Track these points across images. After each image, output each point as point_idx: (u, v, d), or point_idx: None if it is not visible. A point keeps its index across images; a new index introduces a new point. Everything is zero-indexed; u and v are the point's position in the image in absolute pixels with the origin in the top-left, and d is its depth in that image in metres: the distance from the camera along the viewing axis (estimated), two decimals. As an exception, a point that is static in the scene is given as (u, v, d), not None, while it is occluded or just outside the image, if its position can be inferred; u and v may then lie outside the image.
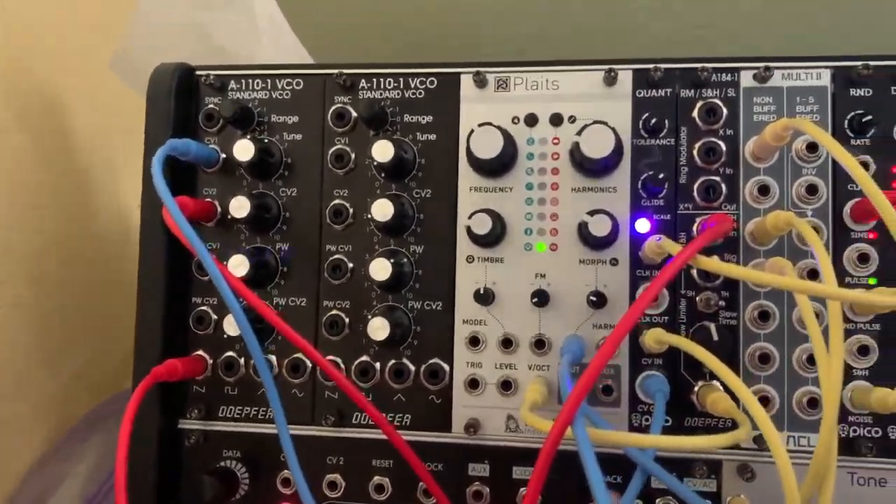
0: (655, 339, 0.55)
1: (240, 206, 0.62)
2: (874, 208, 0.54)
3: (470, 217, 0.59)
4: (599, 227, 0.57)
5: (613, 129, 0.57)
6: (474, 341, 0.62)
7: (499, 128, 0.59)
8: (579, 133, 0.57)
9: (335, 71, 0.64)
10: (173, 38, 0.87)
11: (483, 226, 0.58)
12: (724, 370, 0.46)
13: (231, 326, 0.63)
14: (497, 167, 0.61)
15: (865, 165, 0.58)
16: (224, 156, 0.65)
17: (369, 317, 0.60)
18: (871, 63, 0.58)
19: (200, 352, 0.65)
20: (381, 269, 0.59)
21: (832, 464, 0.44)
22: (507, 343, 0.61)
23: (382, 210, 0.60)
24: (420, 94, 0.64)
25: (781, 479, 0.42)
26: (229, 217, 0.62)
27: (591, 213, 0.58)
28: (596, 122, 0.58)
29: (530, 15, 0.82)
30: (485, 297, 0.61)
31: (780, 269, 0.53)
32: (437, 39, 0.82)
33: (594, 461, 0.38)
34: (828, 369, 0.44)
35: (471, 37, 0.81)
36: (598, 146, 0.57)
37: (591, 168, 0.60)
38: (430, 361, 0.62)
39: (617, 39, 0.91)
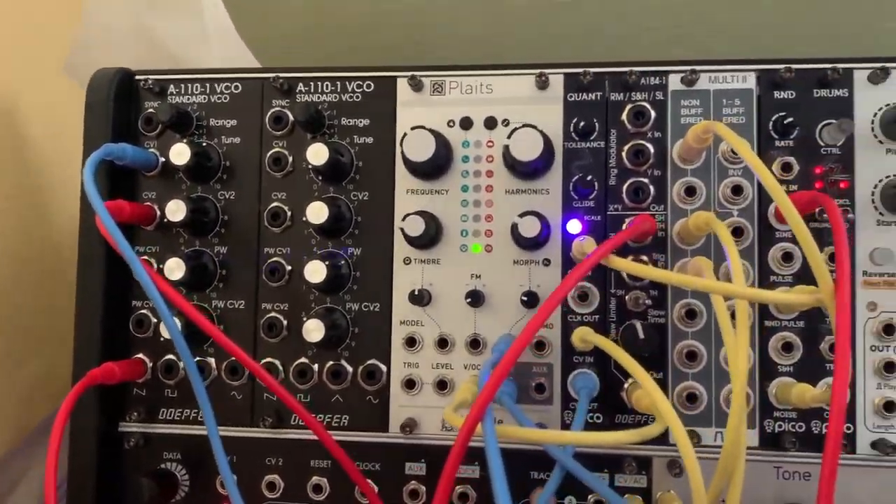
0: (580, 337, 0.56)
1: (176, 210, 0.62)
2: (805, 209, 0.56)
3: (403, 219, 0.60)
4: (529, 229, 0.58)
5: (542, 132, 0.58)
6: (411, 342, 0.62)
7: (431, 131, 0.59)
8: (509, 136, 0.58)
9: (272, 75, 0.65)
10: (124, 42, 0.87)
11: (416, 228, 0.59)
12: (635, 367, 0.47)
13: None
14: (431, 170, 0.62)
15: (789, 166, 0.59)
16: (163, 160, 0.65)
17: (304, 319, 0.61)
18: (794, 66, 0.59)
19: (140, 355, 0.66)
20: (315, 272, 0.60)
21: (740, 458, 0.45)
22: (442, 343, 0.62)
23: (317, 213, 0.60)
24: (357, 97, 0.65)
25: (688, 473, 0.43)
26: (166, 220, 0.62)
27: (522, 214, 0.59)
28: (525, 125, 0.59)
29: (473, 18, 0.83)
30: (421, 298, 0.62)
31: (700, 269, 0.54)
32: (383, 43, 0.83)
33: (498, 458, 0.39)
34: (735, 366, 0.45)
35: (416, 40, 0.82)
36: (526, 149, 0.58)
37: (523, 170, 0.61)
38: (368, 362, 0.63)
39: (572, 43, 0.92)
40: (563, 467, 0.48)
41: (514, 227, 0.59)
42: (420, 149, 0.59)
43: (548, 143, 0.59)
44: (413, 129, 0.59)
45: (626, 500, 0.56)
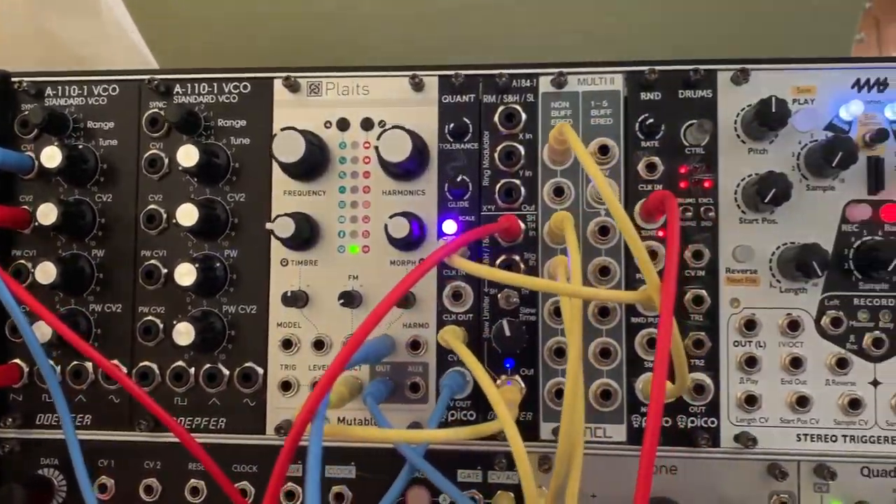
0: (441, 337, 0.56)
1: (47, 213, 0.61)
2: (660, 207, 0.57)
3: (273, 220, 0.60)
4: (397, 229, 0.58)
5: (412, 133, 0.59)
6: (287, 344, 0.62)
7: (302, 132, 0.59)
8: (378, 138, 0.59)
9: (148, 77, 0.64)
10: (23, 44, 0.86)
11: (286, 229, 0.59)
12: (476, 366, 0.47)
13: (43, 334, 0.62)
14: (304, 171, 0.62)
15: (653, 166, 0.60)
16: (39, 162, 0.64)
17: (174, 322, 0.60)
18: (657, 68, 0.60)
19: (17, 360, 0.65)
20: (185, 275, 0.60)
21: (578, 452, 0.46)
22: (319, 344, 0.62)
23: (187, 215, 0.60)
24: (234, 98, 0.65)
25: (518, 467, 0.44)
26: (38, 224, 0.62)
27: (392, 216, 0.59)
28: (394, 126, 0.59)
29: (364, 19, 0.83)
30: (298, 300, 0.62)
31: (555, 268, 0.55)
32: (281, 43, 0.83)
33: (317, 459, 0.39)
34: (571, 362, 0.46)
35: (311, 41, 0.82)
36: (394, 150, 0.58)
37: (395, 171, 0.61)
38: (245, 365, 0.63)
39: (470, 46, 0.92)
40: (413, 466, 0.48)
41: (385, 228, 0.59)
42: (289, 150, 0.59)
43: (418, 144, 0.60)
44: (283, 129, 0.59)
45: (468, 497, 0.56)
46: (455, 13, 0.81)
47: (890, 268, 0.55)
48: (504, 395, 0.55)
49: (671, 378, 0.49)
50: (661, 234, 0.61)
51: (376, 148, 0.59)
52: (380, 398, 0.57)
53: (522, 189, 0.61)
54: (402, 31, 0.82)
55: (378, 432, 0.46)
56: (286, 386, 0.62)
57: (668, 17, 0.94)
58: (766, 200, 0.56)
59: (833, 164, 0.56)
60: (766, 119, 0.57)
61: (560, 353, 0.60)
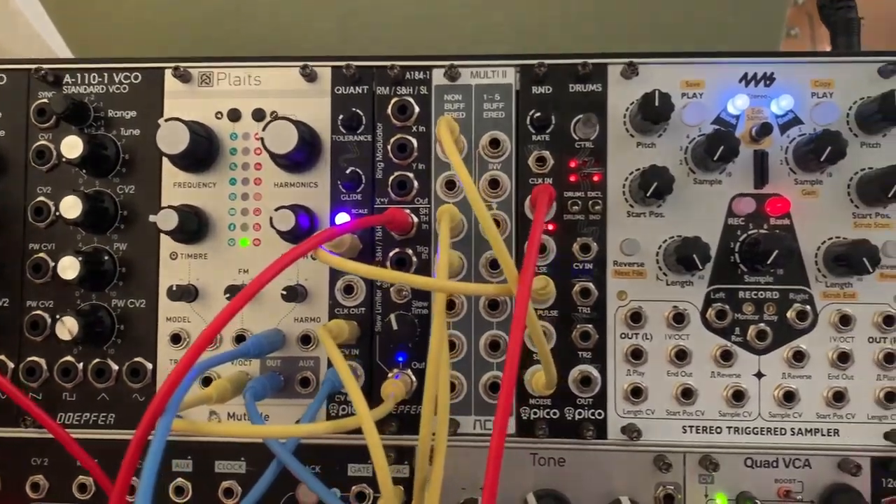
0: (317, 331, 0.56)
1: (-75, 205, 0.60)
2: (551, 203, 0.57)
3: (157, 213, 0.59)
4: (282, 222, 0.58)
5: (298, 125, 0.58)
6: (176, 338, 0.62)
7: (187, 122, 0.58)
8: (264, 129, 0.58)
9: (34, 66, 0.63)
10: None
11: (169, 222, 0.58)
12: (340, 363, 0.47)
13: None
14: (192, 162, 0.61)
15: (543, 160, 0.61)
16: (-78, 153, 0.63)
17: (58, 317, 0.59)
18: (547, 62, 0.60)
19: None
20: (68, 268, 0.59)
21: (442, 446, 0.46)
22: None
23: (71, 207, 0.59)
24: (125, 89, 0.63)
25: (373, 460, 0.44)
26: (-83, 216, 0.60)
27: (277, 208, 0.58)
28: (280, 117, 0.58)
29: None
30: (187, 294, 0.61)
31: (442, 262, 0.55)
32: (205, 33, 0.82)
33: (158, 454, 0.39)
34: (437, 358, 0.46)
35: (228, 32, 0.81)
36: (280, 141, 0.57)
37: (283, 163, 0.61)
38: (133, 360, 0.62)
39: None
40: (280, 461, 0.48)
41: (270, 221, 0.58)
42: (173, 141, 0.58)
43: (306, 135, 0.59)
44: (166, 120, 0.58)
45: (334, 492, 0.56)
46: (351, 3, 0.80)
47: (769, 261, 0.56)
48: (387, 389, 0.56)
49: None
50: (550, 227, 0.61)
51: (261, 139, 0.58)
52: (262, 394, 0.56)
53: (415, 182, 0.61)
54: (295, 21, 0.82)
55: (230, 428, 0.46)
56: (175, 381, 0.61)
57: (598, 7, 0.94)
58: (648, 194, 0.56)
59: (714, 158, 0.56)
60: (649, 113, 0.57)
61: (451, 346, 0.60)
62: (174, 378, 0.42)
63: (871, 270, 0.56)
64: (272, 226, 0.58)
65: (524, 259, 0.45)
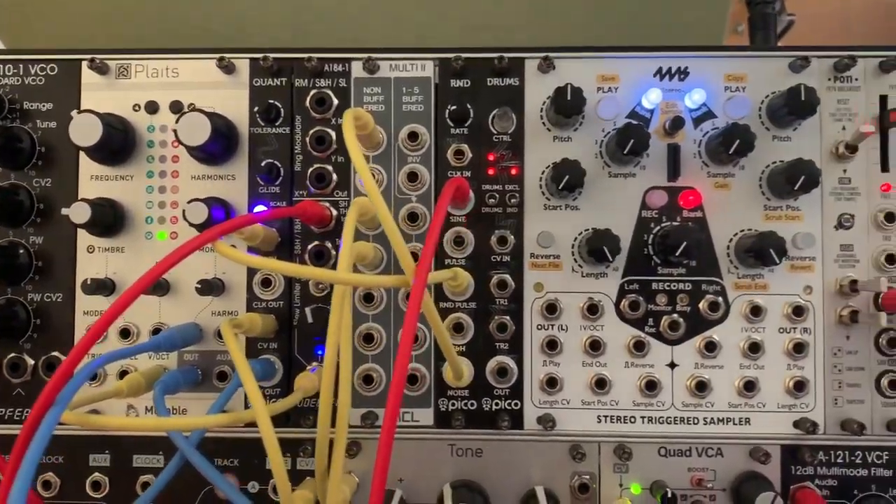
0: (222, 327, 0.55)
1: None
2: (468, 195, 0.57)
3: (70, 206, 0.58)
4: (194, 215, 0.57)
5: (213, 116, 0.58)
6: (93, 332, 0.61)
7: (100, 115, 0.58)
8: (177, 121, 0.58)
9: (-55, 57, 0.62)
10: None
11: (82, 215, 0.58)
12: (240, 361, 0.47)
13: None
14: (107, 155, 0.60)
15: (461, 153, 0.61)
16: None
17: (-28, 310, 0.59)
18: (463, 55, 0.61)
19: None
20: (-22, 261, 0.58)
21: (342, 438, 0.46)
22: (125, 333, 0.61)
23: (-20, 200, 0.58)
24: (41, 81, 0.63)
25: (269, 454, 0.44)
26: None
27: (190, 201, 0.58)
28: (194, 109, 0.58)
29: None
30: (103, 287, 0.61)
31: (357, 253, 0.55)
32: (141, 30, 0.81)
33: (37, 451, 0.38)
34: (333, 351, 0.46)
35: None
36: (193, 134, 0.57)
37: (199, 155, 0.60)
38: (50, 354, 0.61)
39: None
40: (182, 455, 0.48)
41: (183, 214, 0.58)
42: (85, 134, 0.57)
43: (221, 128, 0.59)
44: (79, 112, 0.58)
45: (229, 480, 0.57)
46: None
47: (678, 253, 0.57)
48: (298, 382, 0.56)
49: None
50: (465, 220, 0.61)
51: (174, 132, 0.58)
52: (175, 387, 0.56)
53: (334, 175, 0.61)
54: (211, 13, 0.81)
55: (120, 421, 0.46)
56: (92, 376, 0.61)
57: (545, 4, 0.94)
58: (560, 187, 0.57)
59: (625, 152, 0.57)
60: (562, 107, 0.57)
61: (370, 339, 0.60)
62: (60, 372, 0.42)
63: (777, 262, 0.57)
64: (184, 219, 0.58)
65: (422, 250, 0.45)
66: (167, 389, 0.55)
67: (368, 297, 0.61)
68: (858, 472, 0.60)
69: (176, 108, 0.62)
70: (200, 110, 0.58)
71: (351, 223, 0.50)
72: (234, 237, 0.58)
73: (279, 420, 0.60)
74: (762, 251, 0.56)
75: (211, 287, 0.60)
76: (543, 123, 0.61)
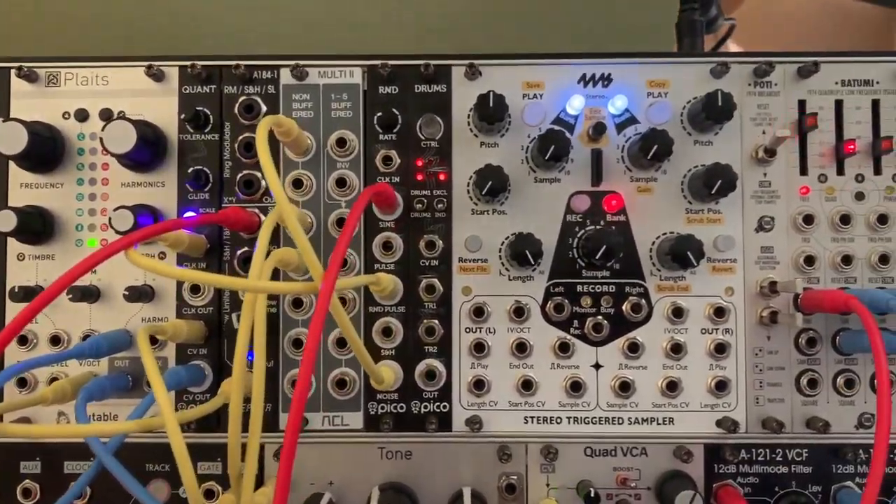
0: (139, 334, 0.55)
1: None
2: (381, 199, 0.58)
3: (-5, 215, 0.58)
4: (120, 222, 0.58)
5: (138, 124, 0.58)
6: (23, 340, 0.61)
7: (27, 123, 0.58)
8: (102, 129, 0.58)
9: None
10: None
11: (7, 223, 0.58)
12: (149, 361, 0.47)
13: None
14: (36, 163, 0.61)
15: (389, 159, 0.62)
16: None
17: None
18: (390, 62, 0.61)
19: None
20: None
21: (254, 443, 0.47)
22: (55, 340, 0.61)
23: None
24: (-31, 89, 0.63)
25: (177, 461, 0.44)
26: None
27: (116, 208, 0.58)
28: (121, 117, 0.58)
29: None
30: (31, 295, 0.61)
31: (280, 259, 0.56)
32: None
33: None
34: (241, 356, 0.46)
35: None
36: (118, 141, 0.57)
37: (127, 163, 0.61)
38: (-22, 362, 0.61)
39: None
40: (99, 462, 0.48)
41: (109, 222, 0.58)
42: (11, 142, 0.58)
43: (148, 135, 0.59)
44: (4, 121, 0.58)
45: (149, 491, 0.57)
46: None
47: (598, 255, 0.58)
48: (224, 388, 0.56)
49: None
50: (393, 226, 0.62)
51: (101, 139, 0.58)
52: (101, 394, 0.56)
53: (262, 181, 0.62)
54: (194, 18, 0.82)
55: (28, 429, 0.46)
56: (22, 383, 0.61)
57: (497, 7, 0.95)
58: (483, 192, 0.58)
59: (546, 158, 0.58)
60: (485, 114, 0.58)
61: (298, 344, 0.61)
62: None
63: (695, 264, 0.58)
64: (111, 226, 0.58)
65: (331, 256, 0.46)
66: (92, 396, 0.55)
67: (297, 303, 0.61)
68: (779, 470, 0.61)
69: (105, 115, 0.62)
70: (127, 118, 0.58)
71: (266, 231, 0.51)
72: (161, 245, 0.58)
73: (209, 424, 0.60)
74: (680, 253, 0.57)
75: (140, 294, 0.60)
76: (471, 129, 0.62)
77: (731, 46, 1.20)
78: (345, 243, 0.46)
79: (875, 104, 0.62)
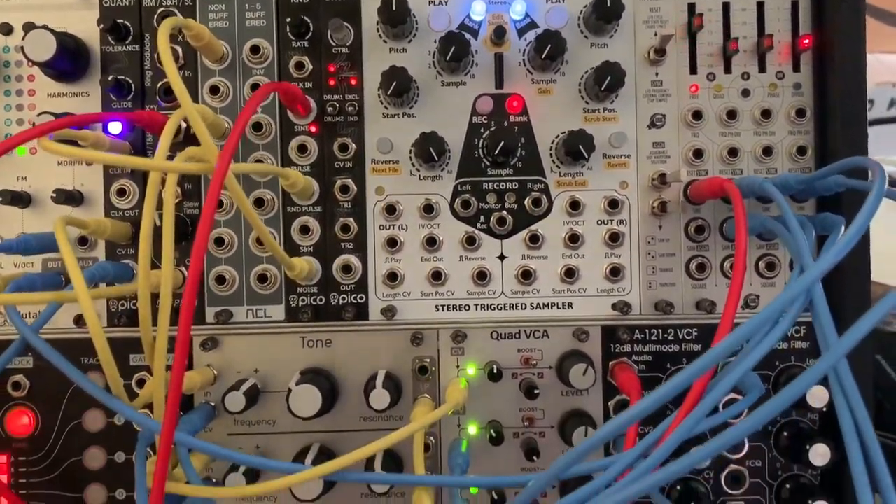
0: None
1: None
2: (303, 101, 0.61)
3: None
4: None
5: (59, 34, 0.61)
6: (-40, 243, 0.65)
7: (-51, 34, 0.61)
8: (23, 38, 0.61)
9: None
10: None
11: (-65, 130, 0.61)
12: (65, 252, 0.51)
13: None
14: (-39, 74, 0.63)
15: (302, 65, 0.65)
16: None
17: None
18: (300, -29, 0.64)
19: None
20: None
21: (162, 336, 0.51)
22: (-9, 243, 0.65)
23: None
24: None
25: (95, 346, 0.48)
26: None
27: (40, 114, 0.61)
28: (41, 26, 0.61)
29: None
30: (-34, 202, 0.64)
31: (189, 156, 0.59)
32: None
33: None
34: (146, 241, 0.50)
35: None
36: (39, 50, 0.60)
37: (51, 73, 0.64)
38: (-81, 265, 0.65)
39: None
40: (24, 338, 0.52)
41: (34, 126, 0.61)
42: (-66, 52, 0.60)
43: (69, 45, 0.62)
44: (-75, 33, 0.60)
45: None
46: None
47: (497, 152, 0.62)
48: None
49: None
50: (312, 129, 0.65)
51: (21, 48, 0.61)
52: (29, 288, 0.60)
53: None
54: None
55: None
56: (-40, 287, 0.65)
57: None
58: (389, 93, 0.61)
59: (448, 59, 0.61)
60: (388, 17, 0.61)
61: (221, 242, 0.65)
62: None
63: (586, 157, 0.62)
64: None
65: (228, 138, 0.49)
66: (21, 289, 0.58)
67: (219, 204, 0.65)
68: (671, 348, 0.66)
69: (29, 28, 0.64)
70: (47, 27, 0.61)
71: (171, 125, 0.53)
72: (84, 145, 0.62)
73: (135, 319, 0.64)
74: (573, 148, 0.62)
75: (67, 196, 0.64)
76: (380, 36, 0.65)
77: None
78: (240, 128, 0.50)
79: (760, 6, 0.66)
